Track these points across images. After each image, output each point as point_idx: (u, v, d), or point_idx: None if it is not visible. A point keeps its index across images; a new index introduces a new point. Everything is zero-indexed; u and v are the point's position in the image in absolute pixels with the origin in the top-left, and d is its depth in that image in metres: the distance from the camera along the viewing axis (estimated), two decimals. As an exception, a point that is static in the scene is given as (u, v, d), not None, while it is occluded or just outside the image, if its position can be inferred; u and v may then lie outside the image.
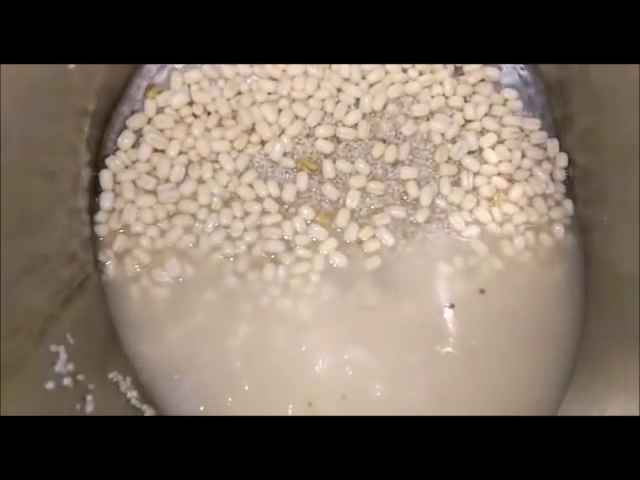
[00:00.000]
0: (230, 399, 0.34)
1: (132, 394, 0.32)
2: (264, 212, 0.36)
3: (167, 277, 0.35)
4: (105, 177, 0.35)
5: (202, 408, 0.33)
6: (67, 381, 0.28)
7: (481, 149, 0.37)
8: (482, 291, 0.35)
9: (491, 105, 0.38)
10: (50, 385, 0.27)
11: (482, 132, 0.38)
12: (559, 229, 0.37)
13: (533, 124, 0.38)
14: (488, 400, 0.34)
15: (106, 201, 0.35)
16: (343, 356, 0.35)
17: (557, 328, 0.35)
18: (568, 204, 0.37)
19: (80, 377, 0.29)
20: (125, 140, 0.36)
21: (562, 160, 0.38)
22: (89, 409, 0.28)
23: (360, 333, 0.36)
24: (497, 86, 0.38)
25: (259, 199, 0.36)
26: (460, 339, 0.35)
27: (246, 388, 0.34)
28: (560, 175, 0.38)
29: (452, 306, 0.36)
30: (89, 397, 0.29)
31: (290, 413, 0.34)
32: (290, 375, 0.35)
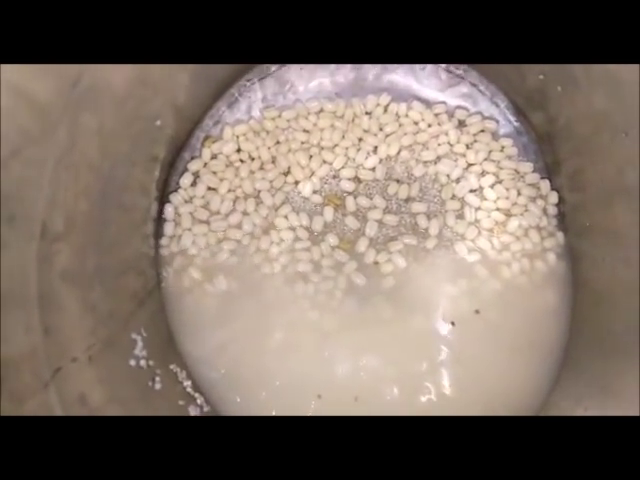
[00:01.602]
0: (264, 393, 0.40)
1: (187, 383, 0.38)
2: (296, 239, 0.43)
3: (215, 290, 0.42)
4: (169, 210, 0.43)
5: (239, 399, 0.40)
6: (143, 363, 0.35)
7: (482, 188, 0.44)
8: (477, 312, 0.41)
9: (490, 151, 0.44)
10: (132, 362, 0.35)
11: (482, 174, 0.44)
12: (552, 257, 0.43)
13: (527, 167, 0.44)
14: (485, 402, 0.39)
15: (169, 229, 0.43)
16: (359, 362, 0.41)
17: (546, 340, 0.40)
18: (560, 235, 0.43)
19: (151, 362, 0.36)
20: (185, 180, 0.44)
21: (553, 197, 0.44)
22: (157, 387, 0.35)
23: (375, 343, 0.41)
24: (495, 136, 0.45)
25: (292, 228, 0.43)
26: (460, 351, 0.41)
27: (277, 384, 0.40)
28: (552, 210, 0.44)
29: (453, 323, 0.41)
30: (157, 378, 0.36)
31: (312, 407, 0.40)
32: (314, 376, 0.41)
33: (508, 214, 0.43)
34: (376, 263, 0.42)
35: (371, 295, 0.42)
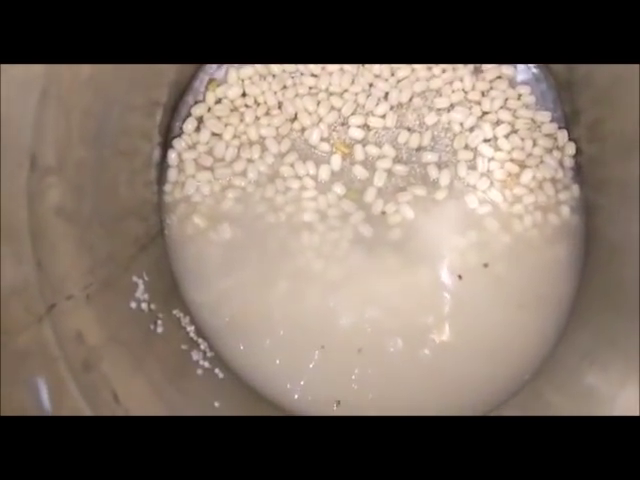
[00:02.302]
0: (268, 341, 0.40)
1: (190, 329, 0.38)
2: (302, 187, 0.42)
3: (219, 238, 0.41)
4: (172, 156, 0.42)
5: (242, 347, 0.40)
6: (144, 306, 0.35)
7: (496, 137, 0.42)
8: (485, 265, 0.40)
9: (506, 99, 0.42)
10: (133, 305, 0.34)
11: (497, 123, 0.42)
12: (565, 210, 0.41)
13: (544, 116, 0.42)
14: (488, 355, 0.39)
15: (172, 175, 0.42)
16: (364, 314, 0.40)
17: (554, 294, 0.39)
18: (575, 188, 0.41)
19: (153, 306, 0.36)
20: (189, 125, 0.42)
21: (570, 149, 0.42)
22: (159, 330, 0.35)
23: (380, 294, 0.41)
24: (512, 83, 0.43)
25: (298, 177, 0.42)
26: (466, 304, 0.40)
27: (281, 333, 0.40)
28: (568, 162, 0.42)
29: (460, 277, 0.40)
30: (159, 322, 0.36)
31: (315, 357, 0.40)
32: (318, 327, 0.40)
33: (522, 165, 0.42)
34: (384, 213, 0.41)
35: (378, 246, 0.41)
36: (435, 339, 0.40)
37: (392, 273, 0.41)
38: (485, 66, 0.43)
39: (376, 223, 0.41)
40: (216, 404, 0.36)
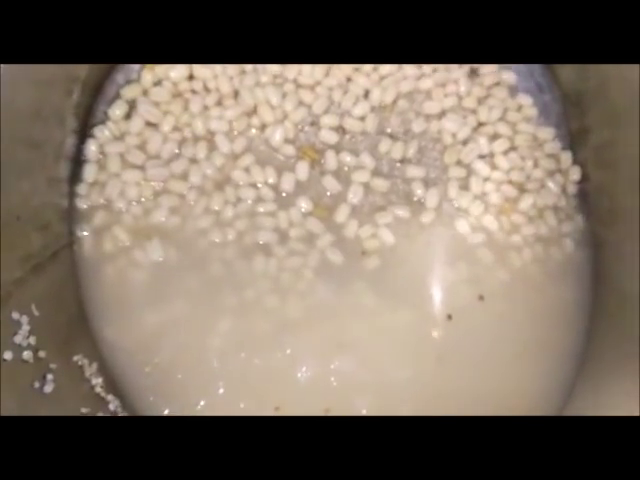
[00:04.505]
0: (202, 402, 0.31)
1: (97, 381, 0.29)
2: (259, 199, 0.34)
3: (147, 259, 0.33)
4: (91, 147, 0.33)
5: (167, 411, 0.30)
6: (27, 355, 0.26)
7: (492, 154, 0.36)
8: (481, 298, 0.33)
9: (505, 110, 0.36)
10: (8, 355, 0.25)
11: (494, 137, 0.36)
12: (569, 244, 0.35)
13: (547, 133, 0.36)
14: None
15: (89, 173, 0.33)
16: (330, 365, 0.32)
17: (558, 342, 0.33)
18: (580, 219, 0.36)
19: (42, 354, 0.26)
20: (117, 110, 0.33)
21: (575, 173, 0.36)
22: (48, 389, 0.26)
23: (350, 340, 0.33)
24: (512, 91, 0.36)
25: (254, 185, 0.34)
26: (454, 353, 0.33)
27: (220, 392, 0.31)
28: (572, 189, 0.36)
29: (450, 317, 0.33)
30: (49, 376, 0.26)
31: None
32: (270, 382, 0.32)
33: (522, 189, 0.36)
34: (358, 239, 0.34)
35: (349, 278, 0.34)
36: (414, 397, 0.32)
37: (365, 313, 0.33)
38: (483, 69, 0.36)
39: (348, 249, 0.34)
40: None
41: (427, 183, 0.35)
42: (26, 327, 0.25)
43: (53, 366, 0.26)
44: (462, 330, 0.33)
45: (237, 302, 0.33)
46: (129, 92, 0.34)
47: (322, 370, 0.32)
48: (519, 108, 0.36)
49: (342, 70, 0.35)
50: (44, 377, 0.26)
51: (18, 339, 0.25)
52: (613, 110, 0.33)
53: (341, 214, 0.34)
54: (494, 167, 0.35)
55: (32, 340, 0.25)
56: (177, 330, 0.32)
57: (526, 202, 0.35)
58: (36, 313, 0.26)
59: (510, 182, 0.35)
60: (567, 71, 0.36)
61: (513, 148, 0.36)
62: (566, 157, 0.36)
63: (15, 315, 0.25)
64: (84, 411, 0.27)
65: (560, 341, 0.34)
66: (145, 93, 0.34)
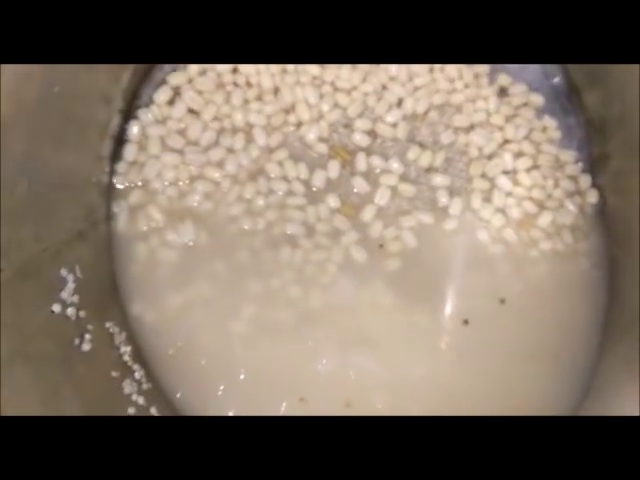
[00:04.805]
0: (222, 387, 0.31)
1: (125, 349, 0.29)
2: (289, 192, 0.35)
3: (178, 240, 0.33)
4: (134, 128, 0.34)
5: (179, 395, 0.31)
6: (70, 311, 0.26)
7: (516, 170, 0.37)
8: (502, 301, 0.34)
9: (531, 130, 0.37)
10: (56, 308, 0.26)
11: (519, 154, 0.37)
12: (585, 262, 0.36)
13: (569, 156, 0.37)
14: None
15: (130, 152, 0.34)
16: (348, 358, 0.33)
17: (570, 354, 0.34)
18: (596, 239, 0.37)
19: (82, 314, 0.27)
20: (162, 95, 0.34)
21: (592, 196, 0.37)
22: (86, 347, 0.27)
23: (368, 336, 0.34)
24: (539, 112, 0.38)
25: (286, 179, 0.35)
26: (469, 355, 0.34)
27: (241, 377, 0.32)
28: (590, 210, 0.37)
29: (466, 322, 0.34)
30: (87, 336, 0.27)
31: (283, 411, 0.31)
32: (291, 372, 0.33)
33: (541, 206, 0.37)
34: (382, 239, 0.35)
35: (371, 276, 0.34)
36: (428, 395, 0.33)
37: (384, 310, 0.34)
38: (512, 89, 0.37)
39: (372, 248, 0.35)
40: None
41: (452, 192, 0.36)
42: (71, 285, 0.26)
43: (90, 327, 0.27)
44: (477, 334, 0.34)
45: (262, 290, 0.33)
46: (175, 79, 0.35)
47: (341, 363, 0.32)
48: (544, 129, 0.38)
49: (378, 77, 0.36)
50: (82, 336, 0.27)
51: (64, 295, 0.26)
52: (635, 140, 0.34)
53: (367, 214, 0.35)
54: (516, 183, 0.37)
55: (75, 299, 0.26)
56: (202, 313, 0.32)
57: (545, 219, 0.36)
58: (79, 274, 0.27)
59: (531, 199, 0.37)
60: (592, 97, 0.37)
61: (536, 167, 0.37)
62: (585, 180, 0.37)
63: (63, 272, 0.26)
64: (114, 374, 0.28)
65: (571, 354, 0.34)
66: (190, 81, 0.35)
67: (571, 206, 0.37)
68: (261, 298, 0.33)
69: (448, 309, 0.34)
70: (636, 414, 0.29)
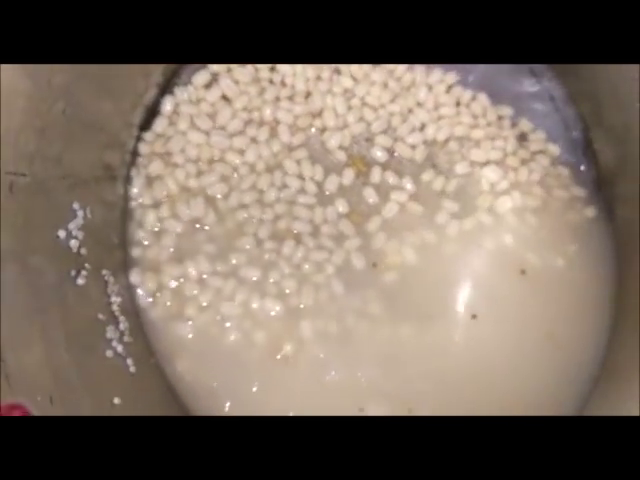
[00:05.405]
0: (204, 358, 0.32)
1: (116, 300, 0.30)
2: (302, 190, 0.36)
3: (187, 214, 0.34)
4: (167, 103, 0.36)
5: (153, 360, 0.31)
6: (73, 243, 0.28)
7: (524, 209, 0.38)
8: (523, 272, 0.34)
9: (544, 175, 0.38)
10: (62, 234, 0.27)
11: (529, 195, 0.38)
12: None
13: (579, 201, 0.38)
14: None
15: (159, 125, 0.35)
16: (322, 355, 0.34)
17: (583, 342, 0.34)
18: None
19: (83, 251, 0.28)
20: (200, 78, 0.36)
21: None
22: (80, 282, 0.28)
23: (347, 339, 0.34)
24: (554, 161, 0.39)
25: (301, 177, 0.36)
26: (444, 383, 0.34)
27: (220, 353, 0.33)
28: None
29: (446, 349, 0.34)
30: (84, 272, 0.28)
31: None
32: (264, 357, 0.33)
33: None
34: (383, 251, 0.35)
35: (365, 284, 0.35)
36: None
37: (370, 319, 0.35)
38: (532, 136, 0.39)
39: (371, 258, 0.35)
40: (116, 401, 0.27)
41: (458, 218, 0.37)
42: (80, 220, 0.27)
43: (87, 266, 0.28)
44: (458, 363, 0.34)
45: (257, 278, 0.34)
46: (216, 66, 0.36)
47: (313, 361, 0.33)
48: (558, 176, 0.39)
49: (406, 101, 0.38)
50: (79, 271, 0.27)
51: (71, 226, 0.27)
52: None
53: (373, 224, 0.36)
54: (523, 222, 0.37)
55: (80, 234, 0.27)
56: (195, 290, 0.33)
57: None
58: (89, 215, 0.28)
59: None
60: (605, 152, 0.38)
61: (545, 209, 0.38)
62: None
63: (75, 205, 0.27)
64: (100, 317, 0.28)
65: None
66: (229, 70, 0.36)
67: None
68: (255, 286, 0.34)
69: (434, 331, 0.35)
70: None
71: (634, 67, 0.32)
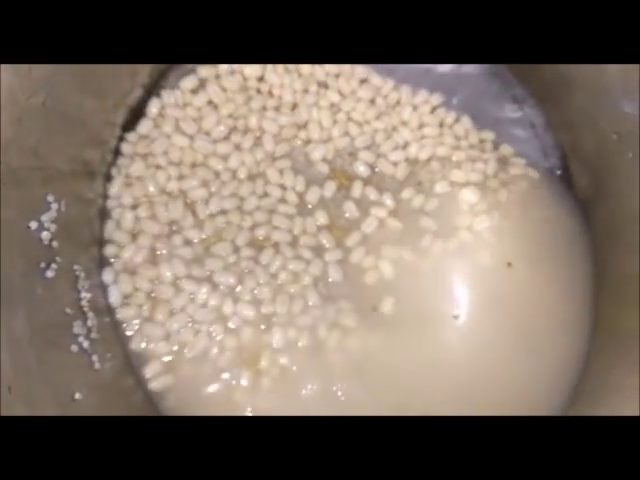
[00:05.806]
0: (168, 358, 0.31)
1: (85, 295, 0.29)
2: (282, 200, 0.36)
3: (165, 216, 0.34)
4: (153, 106, 0.36)
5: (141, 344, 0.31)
6: (45, 235, 0.27)
7: (502, 229, 0.38)
8: (509, 264, 0.35)
9: (523, 199, 0.39)
10: (33, 225, 0.27)
11: (507, 216, 0.38)
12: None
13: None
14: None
15: (144, 126, 0.35)
16: (294, 366, 0.33)
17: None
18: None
19: (55, 244, 0.28)
20: (188, 83, 0.36)
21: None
22: (49, 274, 0.27)
23: (315, 349, 0.34)
24: (534, 184, 0.40)
25: (283, 187, 0.36)
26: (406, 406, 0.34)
27: (188, 353, 0.32)
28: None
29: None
30: (54, 265, 0.27)
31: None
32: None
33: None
34: (361, 266, 0.35)
35: (340, 296, 0.35)
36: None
37: (341, 330, 0.34)
38: (513, 160, 0.39)
39: (349, 272, 0.35)
40: (77, 396, 0.26)
41: (437, 236, 0.37)
42: (53, 213, 0.27)
43: (58, 260, 0.27)
44: (434, 381, 0.34)
45: (231, 284, 0.34)
46: (204, 71, 0.37)
47: (286, 369, 0.33)
48: (536, 198, 0.39)
49: (391, 118, 0.38)
50: (49, 264, 0.27)
51: (44, 218, 0.26)
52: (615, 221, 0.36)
53: (352, 239, 0.36)
54: (501, 240, 0.38)
55: (53, 227, 0.27)
56: (169, 292, 0.33)
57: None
58: (63, 209, 0.28)
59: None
60: (582, 179, 0.39)
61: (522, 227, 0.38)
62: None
63: (50, 198, 0.27)
64: (68, 311, 0.28)
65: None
66: (217, 77, 0.37)
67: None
68: (229, 292, 0.34)
69: (405, 351, 0.34)
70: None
71: (612, 98, 0.33)
